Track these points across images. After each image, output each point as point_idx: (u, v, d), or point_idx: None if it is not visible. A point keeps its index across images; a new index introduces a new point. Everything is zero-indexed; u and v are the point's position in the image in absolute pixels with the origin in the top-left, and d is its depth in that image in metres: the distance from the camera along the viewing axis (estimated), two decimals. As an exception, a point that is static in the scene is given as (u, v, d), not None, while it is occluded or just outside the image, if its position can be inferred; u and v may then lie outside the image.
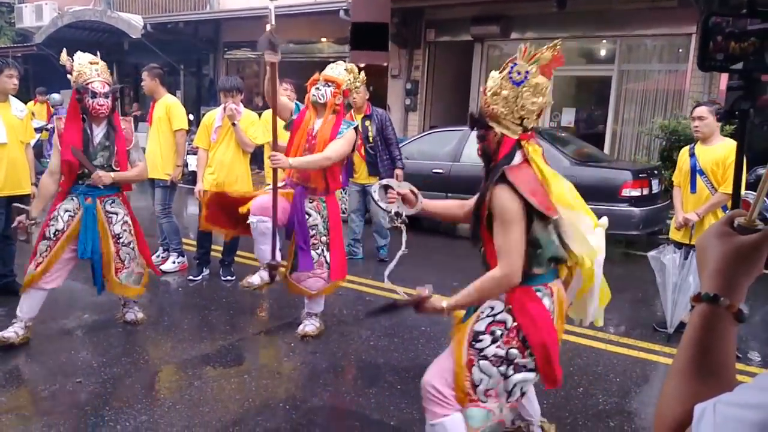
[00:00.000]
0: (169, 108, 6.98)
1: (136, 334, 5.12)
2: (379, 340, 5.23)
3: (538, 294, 2.90)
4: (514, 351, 2.84)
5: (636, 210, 8.01)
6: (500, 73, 2.90)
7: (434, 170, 9.30)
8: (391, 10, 13.07)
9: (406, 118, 14.13)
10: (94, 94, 4.68)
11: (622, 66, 11.79)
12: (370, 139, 7.50)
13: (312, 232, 4.86)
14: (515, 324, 2.86)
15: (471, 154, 9.13)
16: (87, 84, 4.69)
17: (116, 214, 4.93)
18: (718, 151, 5.12)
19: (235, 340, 5.04)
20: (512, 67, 2.84)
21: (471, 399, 2.84)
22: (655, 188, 8.40)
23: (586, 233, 2.94)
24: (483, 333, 2.89)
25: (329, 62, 15.62)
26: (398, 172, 7.60)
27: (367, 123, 7.50)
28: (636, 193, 8.09)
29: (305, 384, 4.51)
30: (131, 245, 5.03)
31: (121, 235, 4.94)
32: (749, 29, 1.21)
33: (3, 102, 5.57)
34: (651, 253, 5.40)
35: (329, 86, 4.85)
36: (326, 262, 4.97)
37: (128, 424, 3.72)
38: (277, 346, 5.18)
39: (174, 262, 6.96)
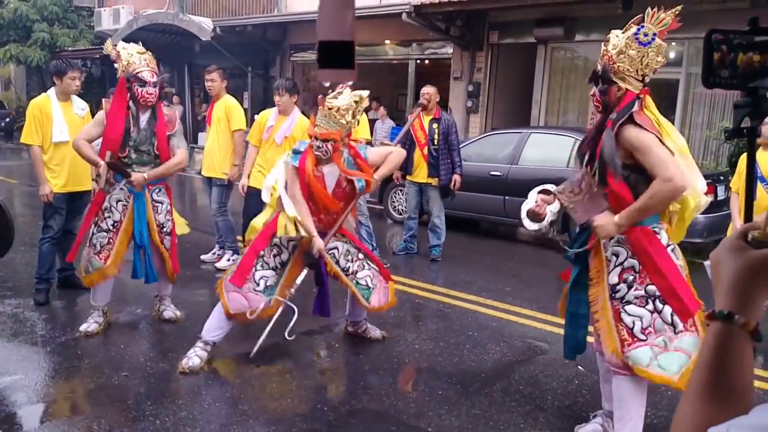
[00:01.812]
0: (229, 108, 7.12)
1: (184, 330, 5.20)
2: (424, 343, 5.19)
3: (656, 230, 3.29)
4: (652, 287, 3.24)
5: (700, 217, 7.71)
6: (624, 33, 3.24)
7: (492, 172, 9.19)
8: (453, 12, 13.05)
9: (467, 120, 14.02)
10: (144, 83, 4.84)
11: (690, 68, 11.38)
12: (435, 141, 7.63)
13: (350, 257, 4.72)
14: (641, 262, 3.26)
15: (529, 156, 9.04)
16: (137, 73, 4.85)
17: (161, 203, 5.10)
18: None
19: (280, 339, 5.07)
20: (639, 29, 3.17)
21: (629, 343, 3.23)
22: (721, 195, 8.08)
23: (694, 177, 3.29)
24: (618, 284, 3.29)
25: (392, 64, 15.57)
26: (456, 177, 7.73)
27: (435, 126, 7.67)
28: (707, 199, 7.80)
29: (345, 385, 4.53)
30: (169, 235, 5.20)
31: (164, 225, 5.12)
32: (757, 41, 1.16)
33: (66, 101, 5.75)
34: (707, 262, 5.18)
35: (328, 141, 4.41)
36: (377, 270, 4.87)
37: (167, 419, 3.79)
38: (321, 347, 5.20)
39: (228, 260, 7.07)
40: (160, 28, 17.72)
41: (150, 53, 5.06)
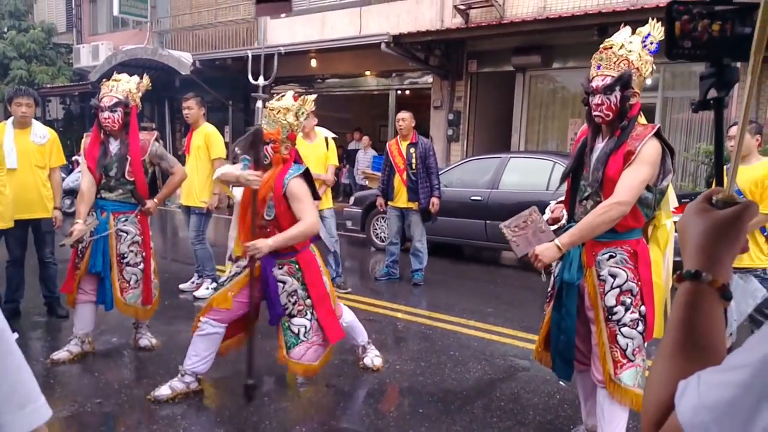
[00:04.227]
0: (208, 137, 7.09)
1: (160, 358, 5.11)
2: (405, 364, 5.11)
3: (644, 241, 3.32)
4: (644, 308, 3.24)
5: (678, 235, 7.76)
6: (629, 36, 3.19)
7: (473, 197, 9.20)
8: (432, 42, 13.19)
9: (448, 149, 14.09)
10: (102, 109, 4.84)
11: (666, 93, 11.54)
12: (413, 166, 7.66)
13: (293, 299, 4.22)
14: (639, 285, 3.22)
15: (509, 182, 9.06)
16: (100, 100, 4.89)
17: (126, 233, 4.96)
18: (757, 171, 4.91)
19: (259, 363, 4.99)
20: (647, 37, 3.15)
21: (621, 365, 3.21)
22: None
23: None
24: (615, 306, 3.23)
25: (373, 95, 15.57)
26: (434, 200, 7.71)
27: (412, 150, 7.71)
28: (677, 218, 7.84)
29: (325, 407, 4.44)
30: (139, 266, 5.03)
31: (126, 255, 4.96)
32: (717, 10, 1.15)
33: (23, 129, 5.79)
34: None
35: (268, 144, 4.12)
36: (318, 325, 4.28)
37: (141, 443, 3.70)
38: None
39: (207, 288, 6.98)
40: (139, 64, 17.70)
41: (127, 80, 5.05)
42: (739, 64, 1.21)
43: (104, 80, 5.08)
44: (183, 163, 6.99)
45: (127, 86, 5.00)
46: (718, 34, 1.15)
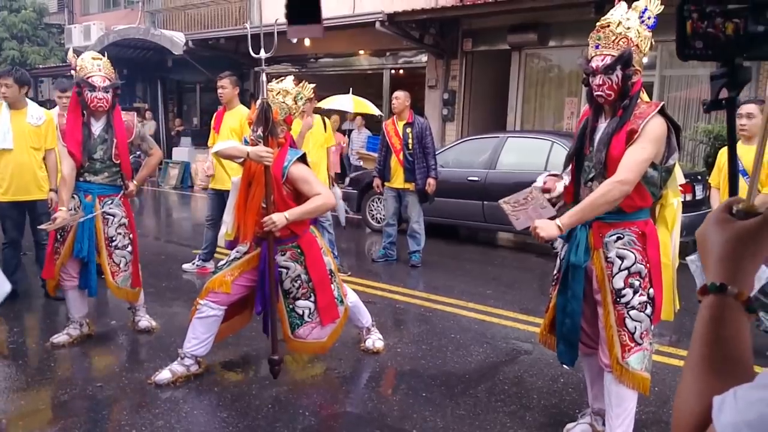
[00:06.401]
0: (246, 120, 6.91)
1: (160, 340, 5.08)
2: (406, 347, 5.10)
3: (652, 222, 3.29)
4: (652, 291, 3.22)
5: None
6: (627, 12, 3.11)
7: (470, 178, 9.16)
8: (427, 21, 13.08)
9: (443, 129, 14.01)
10: (93, 88, 4.67)
11: (663, 71, 11.48)
12: (410, 146, 7.59)
13: (297, 284, 4.20)
14: (647, 267, 3.19)
15: (507, 162, 9.01)
16: (87, 78, 4.68)
17: (113, 215, 4.89)
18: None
19: (260, 346, 4.96)
20: (644, 12, 3.09)
21: (629, 348, 3.19)
22: (699, 194, 8.11)
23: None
24: (623, 288, 3.19)
25: (367, 74, 15.43)
26: (431, 180, 7.66)
27: (408, 130, 7.63)
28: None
29: (327, 390, 4.42)
30: (128, 249, 4.97)
31: (114, 238, 4.90)
32: (730, 8, 1.12)
33: (18, 109, 5.72)
34: (690, 258, 5.15)
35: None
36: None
37: (144, 428, 3.66)
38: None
39: (193, 264, 6.96)
40: (132, 44, 17.56)
41: (107, 59, 4.88)
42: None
43: (74, 55, 4.89)
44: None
45: (108, 65, 4.87)
46: (732, 33, 1.12)
